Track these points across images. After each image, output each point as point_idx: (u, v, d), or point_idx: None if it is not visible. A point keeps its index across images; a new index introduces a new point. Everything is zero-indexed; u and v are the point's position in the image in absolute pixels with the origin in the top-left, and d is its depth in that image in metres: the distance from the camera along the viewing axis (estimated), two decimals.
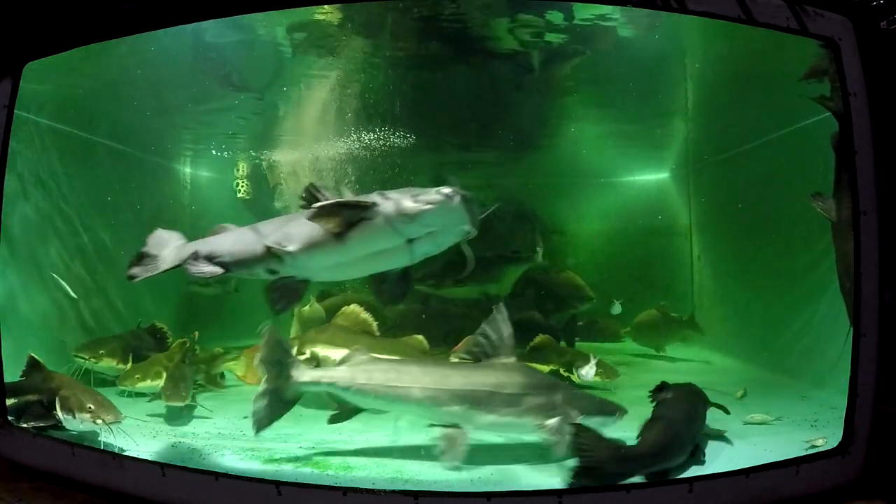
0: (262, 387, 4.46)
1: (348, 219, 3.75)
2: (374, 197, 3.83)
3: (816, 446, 4.33)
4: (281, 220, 4.22)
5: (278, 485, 3.99)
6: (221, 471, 4.20)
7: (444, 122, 8.60)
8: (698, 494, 3.91)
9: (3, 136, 4.78)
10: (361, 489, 3.97)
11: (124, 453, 4.54)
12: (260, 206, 10.57)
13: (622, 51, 6.95)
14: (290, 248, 3.93)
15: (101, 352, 6.43)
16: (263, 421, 4.41)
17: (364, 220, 3.75)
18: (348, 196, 3.83)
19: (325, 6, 6.14)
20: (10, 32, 4.77)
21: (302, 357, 5.75)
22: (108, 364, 6.42)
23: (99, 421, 4.60)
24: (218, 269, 4.14)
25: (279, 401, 4.48)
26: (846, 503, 4.12)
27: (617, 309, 8.51)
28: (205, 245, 4.32)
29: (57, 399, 4.75)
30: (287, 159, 9.89)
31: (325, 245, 3.88)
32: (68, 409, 4.68)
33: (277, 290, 4.06)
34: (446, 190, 3.66)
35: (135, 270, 4.36)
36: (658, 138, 9.39)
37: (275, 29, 6.65)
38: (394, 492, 3.95)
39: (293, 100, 8.73)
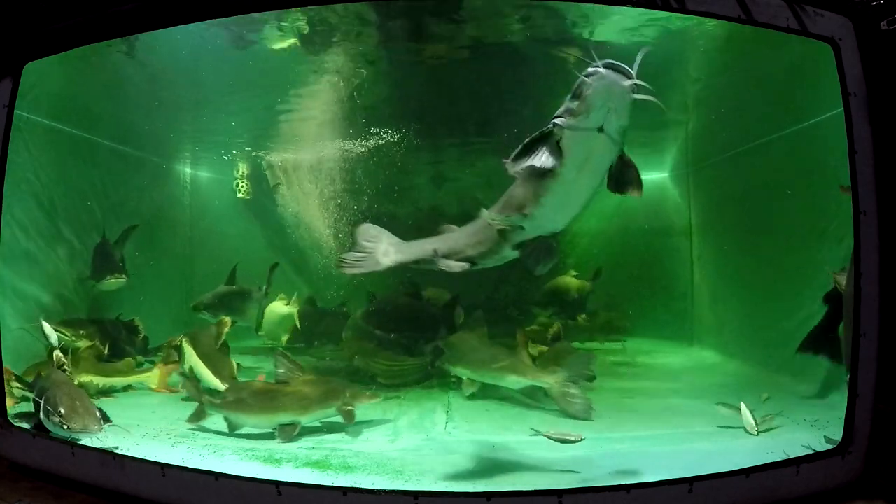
0: None
1: (544, 150, 3.88)
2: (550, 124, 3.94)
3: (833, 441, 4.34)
4: (500, 202, 4.30)
5: (278, 485, 3.99)
6: (221, 471, 4.20)
7: (443, 119, 8.61)
8: (698, 494, 3.91)
9: (3, 136, 4.77)
10: (361, 489, 3.97)
11: (124, 453, 4.53)
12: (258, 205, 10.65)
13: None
14: (527, 210, 4.08)
15: (82, 332, 6.36)
16: None
17: (553, 145, 3.88)
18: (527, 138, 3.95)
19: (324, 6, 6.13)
20: (10, 32, 4.76)
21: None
22: (84, 346, 6.30)
23: (66, 427, 4.53)
24: (465, 265, 4.28)
25: None
26: (846, 503, 4.13)
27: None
28: (442, 243, 4.41)
29: (42, 399, 4.70)
30: (287, 159, 9.91)
31: (548, 187, 4.00)
32: (46, 412, 4.62)
33: (532, 256, 4.17)
34: (589, 70, 3.75)
35: (351, 266, 4.41)
36: (658, 137, 9.39)
37: (275, 28, 6.66)
38: (394, 492, 3.95)
39: (294, 100, 8.73)
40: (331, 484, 4.11)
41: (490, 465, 4.48)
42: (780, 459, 4.14)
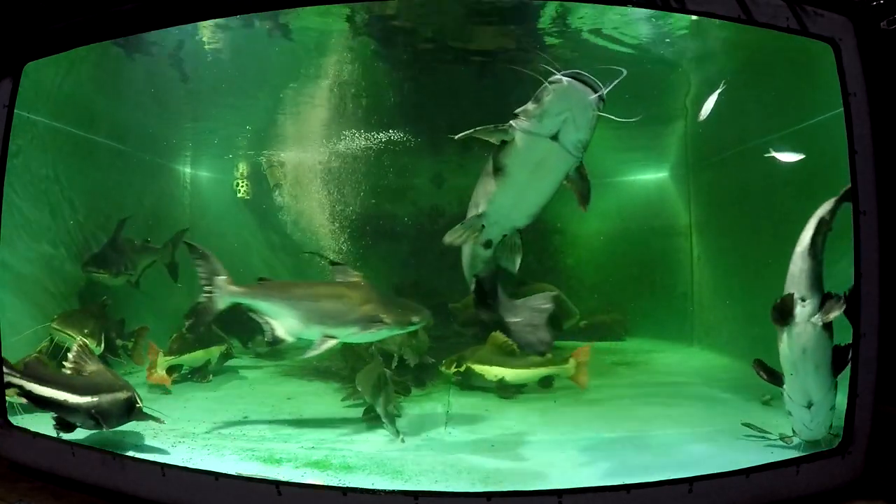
0: None
1: (494, 139, 4.10)
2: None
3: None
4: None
5: (278, 485, 3.99)
6: (221, 471, 4.20)
7: (443, 121, 8.61)
8: (698, 494, 3.91)
9: (3, 136, 4.77)
10: (361, 489, 3.98)
11: (124, 453, 4.54)
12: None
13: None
14: (480, 209, 4.34)
15: (85, 330, 6.19)
16: None
17: (506, 142, 4.05)
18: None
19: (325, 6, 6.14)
20: (10, 32, 4.76)
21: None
22: (90, 343, 5.93)
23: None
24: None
25: None
26: (846, 503, 4.13)
27: None
28: None
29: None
30: (287, 159, 9.92)
31: (499, 186, 4.18)
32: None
33: (503, 254, 4.50)
34: (555, 76, 3.78)
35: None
36: (658, 138, 9.38)
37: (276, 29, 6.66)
38: (394, 492, 3.95)
39: (294, 100, 8.74)
40: (331, 484, 4.11)
41: (490, 465, 4.48)
42: (780, 459, 4.14)
